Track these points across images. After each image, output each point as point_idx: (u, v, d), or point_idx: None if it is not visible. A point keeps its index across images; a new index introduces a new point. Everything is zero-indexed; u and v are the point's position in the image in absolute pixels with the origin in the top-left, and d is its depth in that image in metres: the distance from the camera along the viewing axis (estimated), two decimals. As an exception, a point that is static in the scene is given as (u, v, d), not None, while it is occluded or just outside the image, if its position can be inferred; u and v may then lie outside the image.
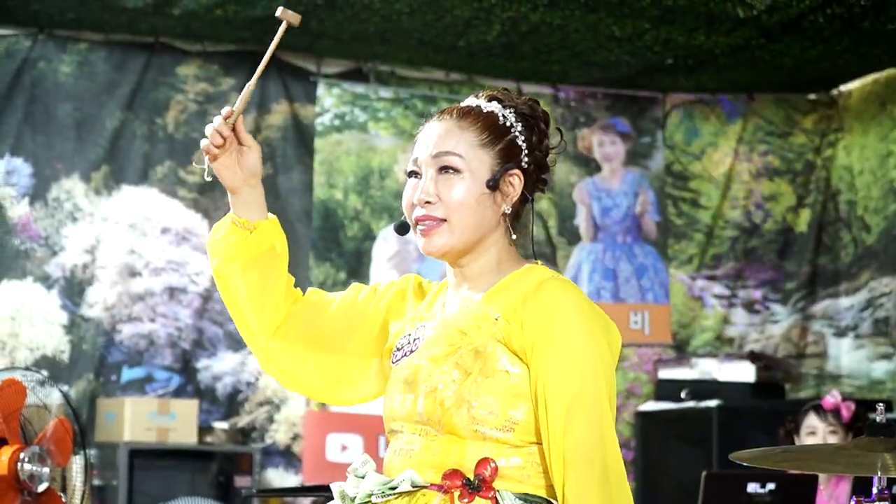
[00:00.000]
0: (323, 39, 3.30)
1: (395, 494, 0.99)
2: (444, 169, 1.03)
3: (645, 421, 3.56)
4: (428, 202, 1.01)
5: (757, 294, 3.85)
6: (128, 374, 3.34)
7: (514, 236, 1.04)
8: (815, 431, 2.74)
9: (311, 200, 3.35)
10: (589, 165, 3.77)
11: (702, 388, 3.49)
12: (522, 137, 1.06)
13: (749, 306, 3.84)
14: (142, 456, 3.18)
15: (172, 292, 3.28)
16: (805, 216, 3.85)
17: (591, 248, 3.68)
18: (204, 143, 0.97)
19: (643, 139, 3.83)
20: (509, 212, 1.03)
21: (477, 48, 3.35)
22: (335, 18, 3.13)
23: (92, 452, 2.97)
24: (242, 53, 3.36)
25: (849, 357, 3.80)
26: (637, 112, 3.82)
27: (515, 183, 1.04)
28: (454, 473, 0.95)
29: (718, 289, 3.76)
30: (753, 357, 3.59)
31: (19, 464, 2.18)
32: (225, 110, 0.96)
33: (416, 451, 1.00)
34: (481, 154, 1.04)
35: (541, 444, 0.95)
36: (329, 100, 3.45)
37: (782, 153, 3.91)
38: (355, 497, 1.03)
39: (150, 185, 3.28)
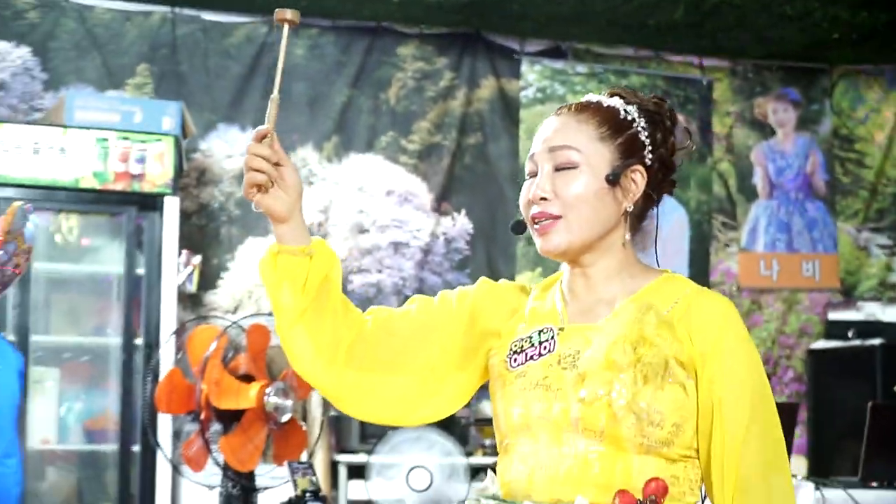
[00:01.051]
0: (525, 21, 3.65)
1: None
2: (561, 164, 0.92)
3: (816, 358, 3.89)
4: (544, 199, 0.89)
5: (917, 243, 4.26)
6: (359, 319, 3.81)
7: (627, 236, 0.93)
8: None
9: (518, 165, 3.73)
10: (764, 130, 4.14)
11: (867, 328, 3.80)
12: (646, 133, 0.95)
13: (910, 255, 4.26)
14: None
15: (396, 246, 3.71)
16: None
17: (766, 205, 4.05)
18: (250, 178, 0.83)
19: (812, 106, 4.19)
20: (631, 209, 0.92)
21: (664, 26, 3.67)
22: (535, 2, 3.49)
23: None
24: (454, 35, 3.72)
25: None
26: (807, 82, 4.19)
27: (638, 179, 0.93)
28: (625, 495, 0.84)
29: (882, 239, 4.09)
30: (914, 300, 3.98)
31: (266, 397, 2.31)
32: (258, 131, 0.83)
33: (569, 467, 0.86)
34: (600, 148, 0.93)
35: (693, 457, 0.88)
36: (532, 75, 3.80)
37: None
38: None
39: (375, 153, 3.65)
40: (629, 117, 0.93)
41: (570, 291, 0.94)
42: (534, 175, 0.91)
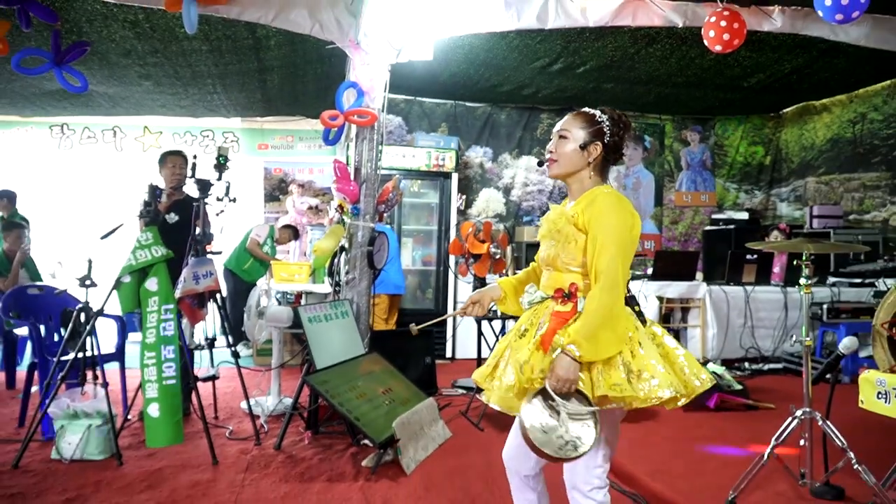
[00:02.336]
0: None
1: (539, 299, 2.04)
2: (560, 136, 2.00)
3: (707, 234, 8.64)
4: (551, 151, 1.98)
5: None
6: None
7: (591, 174, 1.99)
8: None
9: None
10: (685, 143, 9.21)
11: (728, 221, 8.81)
12: (607, 127, 1.95)
13: None
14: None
15: (537, 192, 9.04)
16: None
17: (686, 173, 9.14)
18: (469, 311, 2.17)
19: (706, 133, 9.23)
20: (591, 162, 1.94)
21: (642, 102, 8.89)
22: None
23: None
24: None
25: None
26: (703, 123, 9.27)
27: (596, 150, 1.94)
28: (558, 290, 1.98)
29: (733, 185, 9.24)
30: None
31: (490, 248, 7.02)
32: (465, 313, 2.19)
33: (545, 280, 2.04)
34: (580, 131, 1.96)
35: (585, 272, 1.94)
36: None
37: None
38: (531, 300, 2.06)
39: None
40: (599, 119, 1.93)
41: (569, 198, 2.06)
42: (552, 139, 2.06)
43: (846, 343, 3.12)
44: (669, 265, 6.51)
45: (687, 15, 5.40)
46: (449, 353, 7.64)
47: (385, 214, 5.58)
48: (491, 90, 8.04)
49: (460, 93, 8.31)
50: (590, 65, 6.98)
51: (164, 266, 3.78)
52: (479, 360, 5.97)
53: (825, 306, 6.16)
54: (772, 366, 6.27)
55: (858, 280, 6.65)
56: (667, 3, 5.22)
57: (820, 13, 4.34)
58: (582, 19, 5.06)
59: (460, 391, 5.85)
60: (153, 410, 3.62)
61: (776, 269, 6.91)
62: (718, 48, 4.97)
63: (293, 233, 8.00)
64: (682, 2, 5.22)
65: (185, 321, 4.28)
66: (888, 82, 7.68)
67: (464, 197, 8.57)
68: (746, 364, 6.33)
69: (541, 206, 8.99)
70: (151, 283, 3.75)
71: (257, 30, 5.45)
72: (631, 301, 1.99)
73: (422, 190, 8.36)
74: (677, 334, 6.50)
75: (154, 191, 4.11)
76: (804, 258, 3.22)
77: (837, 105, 8.37)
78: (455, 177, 7.92)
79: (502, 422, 4.72)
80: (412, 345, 5.55)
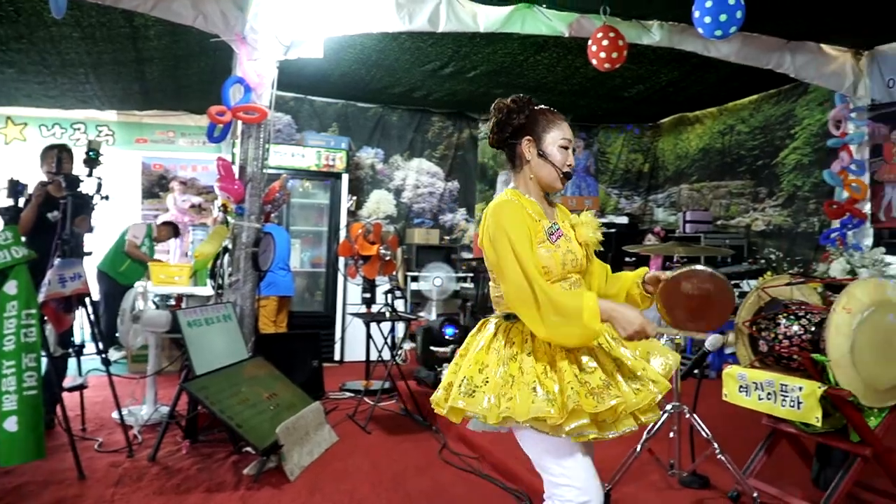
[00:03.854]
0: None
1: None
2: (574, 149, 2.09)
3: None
4: (570, 165, 2.07)
5: None
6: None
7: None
8: None
9: (476, 162, 9.11)
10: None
11: (608, 225, 9.34)
12: None
13: None
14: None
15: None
16: None
17: (574, 178, 9.59)
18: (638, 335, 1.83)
19: (591, 140, 9.72)
20: None
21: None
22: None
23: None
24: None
25: None
26: (587, 131, 9.71)
27: None
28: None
29: (615, 190, 9.70)
30: None
31: (380, 250, 7.78)
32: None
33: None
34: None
35: None
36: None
37: None
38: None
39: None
40: None
41: (541, 206, 2.05)
42: (566, 148, 2.05)
43: (711, 341, 3.33)
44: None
45: (573, 25, 5.61)
46: (337, 356, 7.56)
47: (272, 215, 5.45)
48: (383, 91, 8.02)
49: (352, 93, 8.25)
50: (480, 69, 7.11)
51: (24, 268, 3.52)
52: (368, 364, 5.94)
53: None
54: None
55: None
56: (554, 12, 5.40)
57: (700, 30, 4.63)
58: (473, 24, 5.14)
59: (348, 394, 5.80)
60: (10, 425, 3.35)
61: (653, 271, 7.30)
62: (607, 66, 5.23)
63: (173, 230, 7.66)
64: (568, 12, 5.42)
65: (49, 327, 4.00)
66: (755, 97, 8.29)
67: (354, 198, 8.54)
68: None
69: (431, 208, 9.07)
70: (10, 287, 3.48)
71: (135, 18, 5.17)
72: None
73: (311, 190, 8.27)
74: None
75: (15, 186, 3.82)
76: (675, 260, 3.41)
77: (709, 117, 8.95)
78: (346, 177, 7.90)
79: (388, 424, 4.73)
80: (299, 347, 5.45)
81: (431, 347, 6.45)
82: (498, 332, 2.01)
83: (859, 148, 7.05)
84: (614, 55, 5.21)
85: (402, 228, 8.86)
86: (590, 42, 5.25)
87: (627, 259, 8.27)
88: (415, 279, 8.22)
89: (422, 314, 7.83)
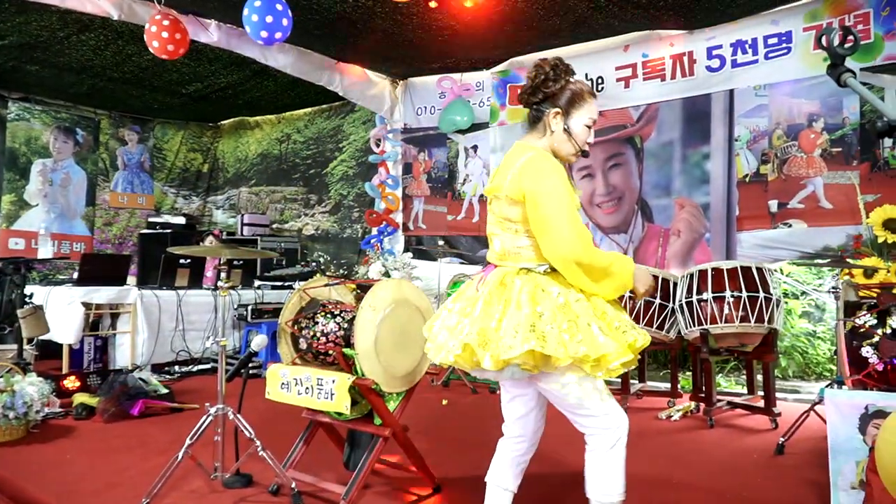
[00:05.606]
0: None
1: None
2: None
3: None
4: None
5: None
6: None
7: None
8: None
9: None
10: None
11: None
12: None
13: None
14: None
15: None
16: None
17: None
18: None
19: (144, 135, 9.15)
20: None
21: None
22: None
23: None
24: None
25: None
26: (142, 124, 9.15)
27: None
28: None
29: (183, 192, 9.33)
30: None
31: None
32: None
33: None
34: None
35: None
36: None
37: None
38: None
39: None
40: None
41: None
42: (592, 126, 2.21)
43: (257, 341, 3.43)
44: (98, 269, 6.15)
45: (123, 9, 5.23)
46: None
47: None
48: None
49: None
50: (9, 40, 6.13)
51: None
52: None
53: (250, 307, 6.69)
54: (201, 367, 6.51)
55: (280, 283, 7.43)
56: (100, -11, 4.96)
57: (247, 28, 4.73)
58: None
59: None
60: None
61: (209, 273, 7.21)
62: (169, 51, 4.99)
63: None
64: (117, -7, 5.03)
65: None
66: (310, 109, 8.85)
67: None
68: (177, 367, 6.42)
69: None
70: None
71: None
72: None
73: None
74: (105, 342, 6.18)
75: None
76: (221, 262, 3.43)
77: (268, 123, 9.25)
78: None
79: None
80: None
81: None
82: (532, 283, 2.05)
83: (394, 165, 8.09)
84: (177, 39, 4.99)
85: None
86: (148, 24, 4.95)
87: (183, 261, 8.03)
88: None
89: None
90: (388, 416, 3.20)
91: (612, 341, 2.00)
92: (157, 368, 6.20)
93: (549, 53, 6.86)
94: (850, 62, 1.76)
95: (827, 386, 3.85)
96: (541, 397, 2.32)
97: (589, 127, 2.17)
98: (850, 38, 1.70)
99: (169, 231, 8.30)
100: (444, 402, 5.49)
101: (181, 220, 8.82)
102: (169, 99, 8.29)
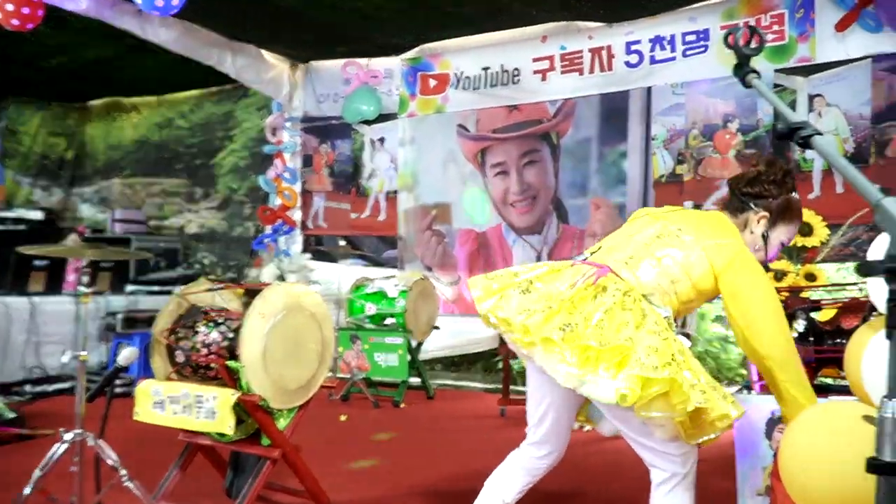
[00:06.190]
0: None
1: None
2: None
3: None
4: None
5: None
6: None
7: None
8: None
9: None
10: None
11: None
12: None
13: None
14: None
15: None
16: None
17: None
18: None
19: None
20: None
21: None
22: None
23: None
24: None
25: None
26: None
27: None
28: None
29: (36, 182, 8.67)
30: None
31: None
32: None
33: None
34: None
35: None
36: None
37: None
38: None
39: None
40: None
41: None
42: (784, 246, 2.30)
43: (125, 354, 3.15)
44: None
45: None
46: None
47: None
48: None
49: None
50: None
51: None
52: None
53: (121, 316, 6.28)
54: (60, 385, 6.05)
55: (158, 288, 7.03)
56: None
57: (139, 1, 4.44)
58: None
59: None
60: None
61: (71, 277, 6.74)
62: (15, 23, 4.62)
63: None
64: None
65: None
66: (196, 91, 8.45)
67: None
68: (29, 387, 5.95)
69: None
70: None
71: None
72: None
73: None
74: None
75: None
76: (85, 265, 3.14)
77: (147, 106, 8.79)
78: None
79: None
80: None
81: None
82: (659, 316, 1.98)
83: (293, 157, 7.82)
84: (26, 11, 4.63)
85: None
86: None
87: (39, 263, 7.48)
88: None
89: None
90: (278, 436, 3.02)
91: (734, 407, 1.95)
92: (4, 389, 5.70)
93: (465, 41, 6.83)
94: (764, 63, 1.78)
95: (737, 391, 3.93)
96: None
97: (782, 245, 2.24)
98: (757, 37, 1.75)
99: (23, 228, 7.54)
100: (344, 417, 5.31)
101: (38, 216, 8.13)
102: (26, 73, 7.75)
